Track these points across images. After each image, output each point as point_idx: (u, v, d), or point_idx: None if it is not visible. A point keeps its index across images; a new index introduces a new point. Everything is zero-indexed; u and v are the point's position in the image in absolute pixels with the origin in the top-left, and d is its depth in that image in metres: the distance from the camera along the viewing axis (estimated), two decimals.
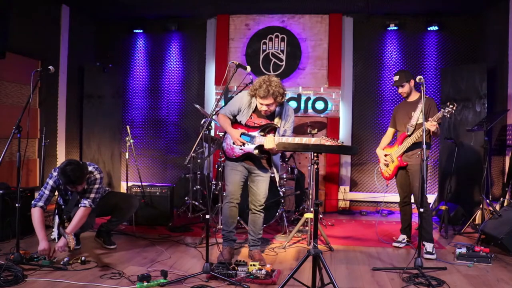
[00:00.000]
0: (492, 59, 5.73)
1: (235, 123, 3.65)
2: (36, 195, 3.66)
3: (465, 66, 5.91)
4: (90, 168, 3.70)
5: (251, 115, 3.59)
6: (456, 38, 6.31)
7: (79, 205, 3.61)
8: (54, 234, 3.86)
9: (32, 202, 3.56)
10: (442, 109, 3.72)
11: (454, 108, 3.68)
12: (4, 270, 2.98)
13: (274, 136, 3.48)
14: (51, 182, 3.63)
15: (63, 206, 3.83)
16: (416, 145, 3.99)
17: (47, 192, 3.60)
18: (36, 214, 3.49)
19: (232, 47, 6.72)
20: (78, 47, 6.54)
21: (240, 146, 3.55)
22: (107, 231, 4.05)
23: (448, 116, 3.72)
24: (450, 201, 5.29)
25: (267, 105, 3.44)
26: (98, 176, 3.73)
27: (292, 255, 3.92)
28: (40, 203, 3.54)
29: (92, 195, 3.67)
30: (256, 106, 3.56)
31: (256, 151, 3.51)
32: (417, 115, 3.98)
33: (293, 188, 5.26)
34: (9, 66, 5.15)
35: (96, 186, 3.70)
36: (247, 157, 3.61)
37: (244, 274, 3.14)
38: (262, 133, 3.53)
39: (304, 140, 3.36)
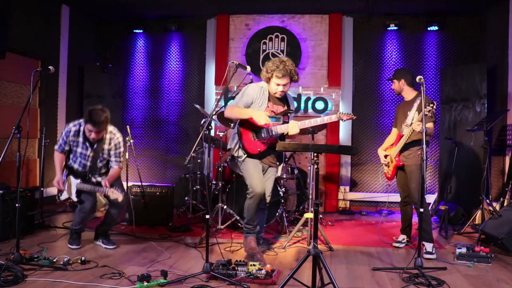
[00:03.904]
0: (492, 59, 5.73)
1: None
2: (37, 194, 3.72)
3: (465, 66, 5.91)
4: (110, 128, 3.86)
5: (267, 103, 3.59)
6: (456, 38, 6.31)
7: (112, 166, 3.91)
8: (64, 195, 3.90)
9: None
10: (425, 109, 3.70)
11: (434, 106, 3.66)
12: (4, 270, 2.97)
13: (288, 121, 3.57)
14: (63, 134, 3.83)
15: (72, 163, 3.91)
16: (411, 145, 4.02)
17: (61, 141, 3.85)
18: (55, 155, 3.89)
19: (232, 47, 6.72)
20: (78, 47, 6.54)
21: (265, 130, 3.53)
22: (104, 233, 4.04)
23: (430, 115, 3.64)
24: (450, 201, 5.29)
25: (283, 85, 3.50)
26: (121, 139, 3.92)
27: (292, 255, 3.92)
28: (57, 147, 3.88)
29: (119, 159, 3.93)
30: (269, 94, 3.58)
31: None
32: (412, 115, 4.00)
33: (293, 188, 5.26)
34: (9, 66, 5.15)
35: (121, 149, 3.94)
36: (270, 149, 3.60)
37: (244, 274, 3.14)
38: (280, 121, 3.57)
39: (326, 118, 3.52)
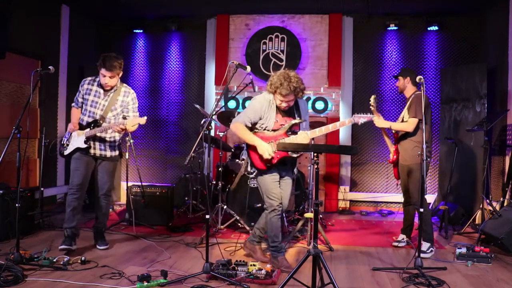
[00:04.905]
0: (492, 59, 5.73)
1: (255, 133, 3.49)
2: (37, 194, 3.67)
3: (465, 66, 5.91)
4: (125, 84, 3.93)
5: (275, 117, 3.46)
6: (456, 38, 6.31)
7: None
8: (69, 149, 3.85)
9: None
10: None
11: (371, 98, 3.87)
12: (4, 270, 2.98)
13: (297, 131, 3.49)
14: (79, 86, 3.92)
15: (82, 116, 3.89)
16: (407, 144, 4.04)
17: (77, 95, 3.95)
18: (72, 111, 4.01)
19: (232, 47, 6.72)
20: (78, 47, 6.54)
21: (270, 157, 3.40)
22: (98, 231, 4.02)
23: (372, 106, 3.89)
24: (450, 201, 5.29)
25: (287, 101, 3.38)
26: (135, 94, 3.97)
27: (292, 255, 3.92)
28: (73, 104, 3.99)
29: (137, 114, 3.96)
30: (277, 106, 3.46)
31: (294, 154, 3.44)
32: (403, 113, 4.09)
33: (293, 188, 5.26)
34: (9, 66, 5.15)
35: (137, 104, 4.00)
36: (281, 161, 3.48)
37: (244, 274, 3.15)
38: (290, 133, 3.48)
39: (338, 124, 3.47)
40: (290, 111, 3.53)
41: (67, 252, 3.63)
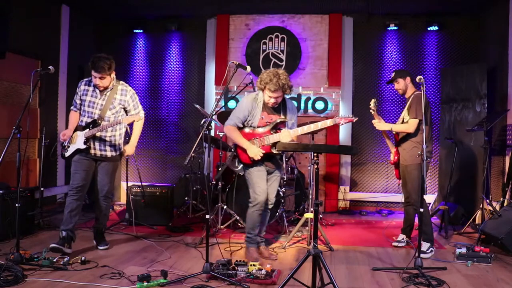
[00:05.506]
0: (492, 59, 5.73)
1: (241, 129, 3.67)
2: (37, 194, 3.67)
3: (465, 66, 5.91)
4: (121, 82, 3.93)
5: (261, 114, 3.62)
6: (456, 38, 6.31)
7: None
8: (70, 150, 3.84)
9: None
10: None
11: (371, 103, 3.98)
12: (4, 270, 2.98)
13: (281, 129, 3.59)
14: (77, 89, 3.92)
15: (81, 118, 3.88)
16: (405, 144, 4.05)
17: (75, 97, 3.95)
18: (70, 115, 3.99)
19: (232, 47, 6.72)
20: (78, 47, 6.53)
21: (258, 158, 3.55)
22: (98, 232, 4.01)
23: (372, 110, 4.02)
24: (450, 201, 5.29)
25: (275, 97, 3.52)
26: (133, 91, 3.96)
27: (292, 255, 3.92)
28: (72, 107, 3.97)
29: (138, 109, 3.96)
30: (264, 103, 3.61)
31: (275, 150, 3.56)
32: (403, 114, 4.09)
33: (293, 188, 5.26)
34: (9, 66, 5.15)
35: (137, 98, 3.98)
36: (266, 157, 3.63)
37: (244, 274, 3.15)
38: (274, 130, 3.60)
39: (320, 124, 3.53)
40: (277, 110, 3.67)
41: (65, 252, 3.62)
